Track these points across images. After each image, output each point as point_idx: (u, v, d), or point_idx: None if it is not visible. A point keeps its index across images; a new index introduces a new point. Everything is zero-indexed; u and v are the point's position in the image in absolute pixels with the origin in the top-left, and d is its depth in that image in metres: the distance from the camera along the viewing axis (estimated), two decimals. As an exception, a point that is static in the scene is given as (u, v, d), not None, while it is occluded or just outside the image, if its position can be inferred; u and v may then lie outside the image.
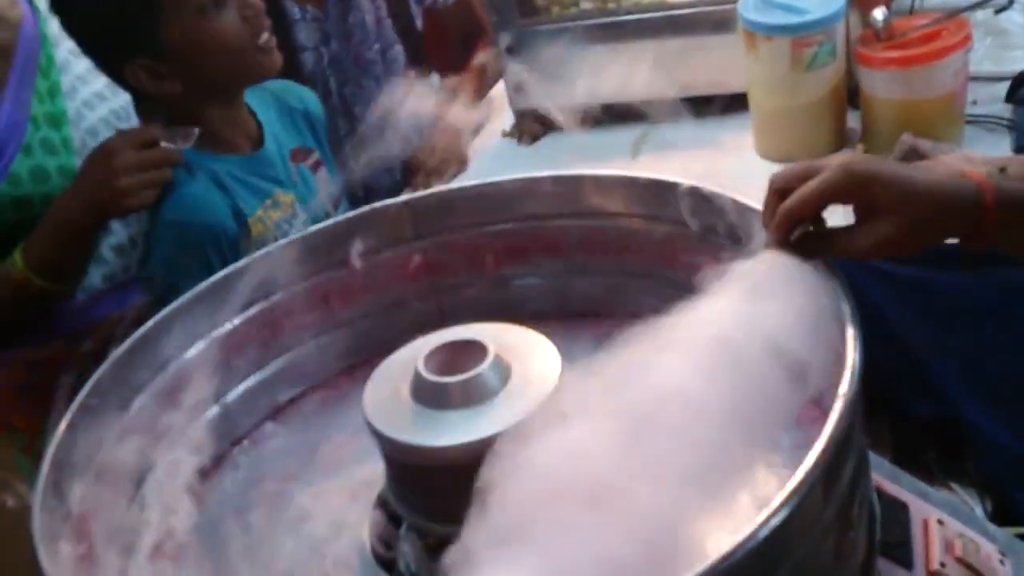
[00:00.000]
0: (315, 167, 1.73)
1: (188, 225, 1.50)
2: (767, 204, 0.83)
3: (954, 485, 1.58)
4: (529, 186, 1.19)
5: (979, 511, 1.59)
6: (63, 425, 0.89)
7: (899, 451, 1.60)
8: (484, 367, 0.84)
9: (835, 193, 0.78)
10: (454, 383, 0.83)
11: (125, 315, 1.52)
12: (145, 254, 1.57)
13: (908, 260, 1.44)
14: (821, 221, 0.83)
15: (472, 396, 0.83)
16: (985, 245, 0.79)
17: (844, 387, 0.68)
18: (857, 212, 0.80)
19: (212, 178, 1.55)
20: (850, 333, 0.77)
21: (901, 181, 0.76)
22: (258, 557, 0.95)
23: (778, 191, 0.81)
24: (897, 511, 1.01)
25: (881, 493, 1.03)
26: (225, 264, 1.47)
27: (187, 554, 0.96)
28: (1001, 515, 1.51)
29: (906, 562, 0.96)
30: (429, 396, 0.83)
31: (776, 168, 0.86)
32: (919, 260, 1.44)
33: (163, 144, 1.47)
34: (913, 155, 1.63)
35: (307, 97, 1.83)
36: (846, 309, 0.79)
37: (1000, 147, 1.72)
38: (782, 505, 0.61)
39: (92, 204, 1.44)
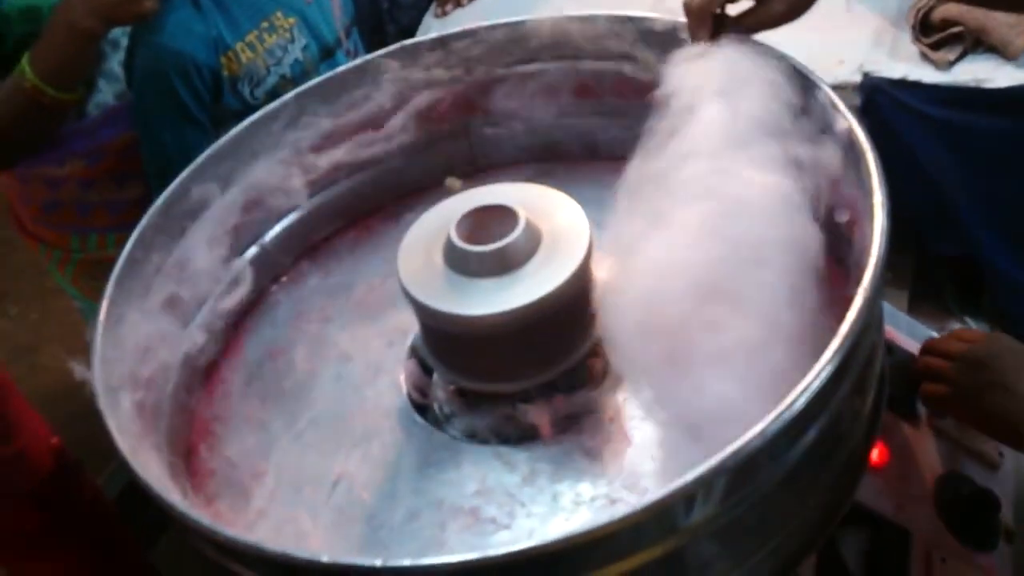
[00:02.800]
0: (332, -11, 1.66)
1: (158, 49, 1.45)
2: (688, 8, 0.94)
3: (968, 319, 1.62)
4: (563, 26, 1.15)
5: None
6: (113, 278, 0.92)
7: (918, 286, 1.63)
8: (515, 235, 0.86)
9: None
10: (487, 252, 0.85)
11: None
12: (128, 74, 1.54)
13: (950, 103, 1.41)
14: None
15: (504, 264, 0.85)
16: None
17: (865, 282, 0.70)
18: None
19: None
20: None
21: None
22: (302, 396, 1.01)
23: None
24: (907, 364, 1.05)
25: (892, 347, 1.07)
26: (196, 96, 1.48)
27: (235, 393, 1.03)
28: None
29: (912, 416, 1.02)
30: (462, 264, 0.86)
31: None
32: (962, 103, 1.41)
33: None
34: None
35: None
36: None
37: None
38: (808, 385, 0.64)
39: (103, 5, 1.40)
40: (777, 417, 0.61)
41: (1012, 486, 1.04)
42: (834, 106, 0.86)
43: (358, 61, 1.18)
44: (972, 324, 1.61)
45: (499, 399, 0.91)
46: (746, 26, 0.92)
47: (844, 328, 0.66)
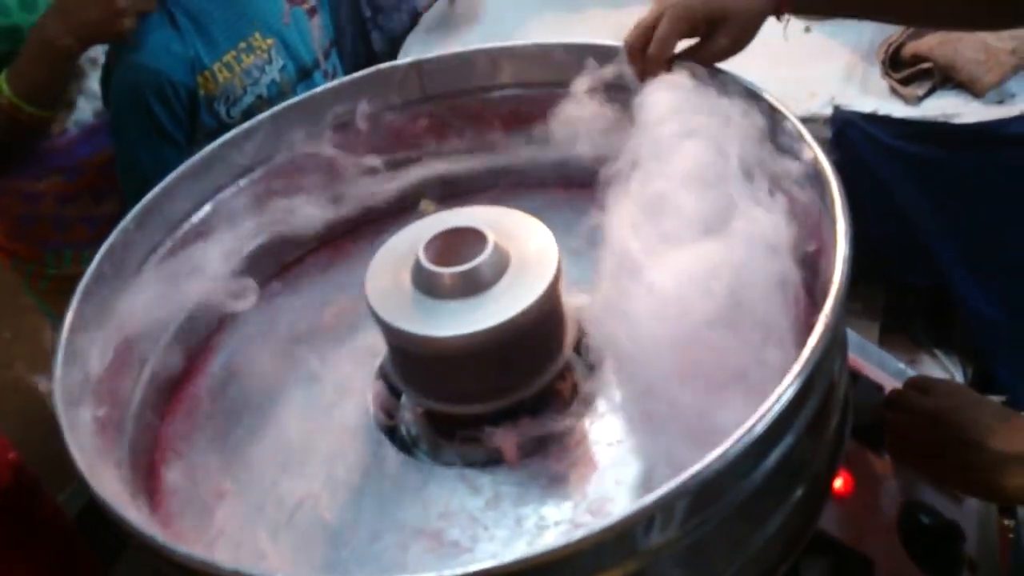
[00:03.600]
0: (311, 12, 1.67)
1: (135, 67, 1.45)
2: (633, 55, 1.00)
3: (938, 352, 1.64)
4: (540, 52, 1.17)
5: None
6: (78, 293, 0.92)
7: (889, 317, 1.65)
8: (483, 258, 0.86)
9: (681, 30, 0.97)
10: (453, 274, 0.85)
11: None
12: (104, 92, 1.55)
13: (919, 138, 1.43)
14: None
15: (472, 286, 0.86)
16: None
17: (827, 308, 0.70)
18: (701, 31, 0.98)
19: (185, 15, 1.50)
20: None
21: (722, 6, 0.96)
22: (267, 416, 1.00)
23: (633, 47, 1.00)
24: (873, 395, 1.06)
25: (858, 376, 1.07)
26: (172, 114, 1.48)
27: (199, 412, 1.02)
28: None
29: (877, 446, 1.02)
30: (429, 285, 0.86)
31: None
32: (931, 138, 1.43)
33: None
34: (939, 18, 1.57)
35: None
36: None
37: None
38: (769, 409, 0.64)
39: (82, 24, 1.41)
40: (738, 440, 0.61)
41: (976, 518, 1.05)
42: (799, 135, 0.87)
43: (334, 83, 1.18)
44: (942, 356, 1.62)
45: (466, 422, 0.91)
46: (695, 62, 0.97)
47: (806, 353, 0.66)
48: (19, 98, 1.44)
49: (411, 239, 0.92)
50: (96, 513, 0.75)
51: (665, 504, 0.59)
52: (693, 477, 0.60)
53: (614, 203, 0.88)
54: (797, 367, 0.65)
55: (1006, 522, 1.25)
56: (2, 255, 1.74)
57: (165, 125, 1.48)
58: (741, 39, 0.96)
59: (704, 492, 0.61)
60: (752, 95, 0.92)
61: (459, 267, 0.86)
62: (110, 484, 0.74)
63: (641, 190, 0.87)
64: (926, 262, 1.55)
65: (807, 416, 0.69)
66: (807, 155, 0.87)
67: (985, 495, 0.98)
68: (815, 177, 0.86)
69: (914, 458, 0.98)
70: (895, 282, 1.64)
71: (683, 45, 0.99)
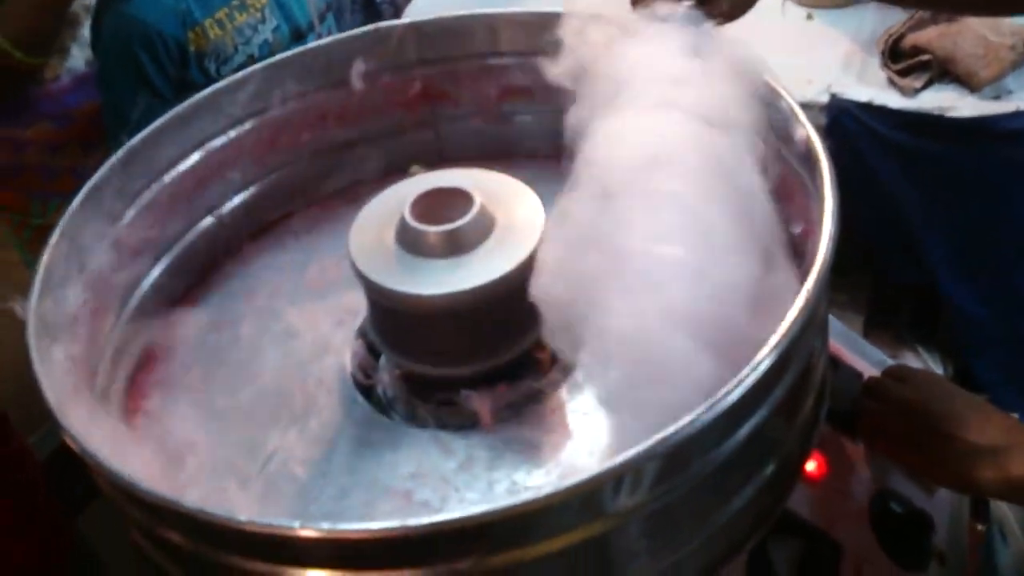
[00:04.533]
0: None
1: (125, 18, 1.44)
2: None
3: (920, 348, 1.64)
4: (541, 20, 1.15)
5: (940, 374, 1.66)
6: (56, 232, 0.91)
7: (874, 312, 1.65)
8: (468, 218, 0.85)
9: None
10: (438, 232, 0.85)
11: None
12: (94, 41, 1.53)
13: (914, 130, 1.43)
14: None
15: (455, 246, 0.85)
16: None
17: (809, 283, 0.70)
18: None
19: None
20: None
21: None
22: (245, 369, 0.99)
23: None
24: (852, 382, 1.05)
25: (838, 363, 1.07)
26: (161, 68, 1.46)
27: (176, 362, 1.02)
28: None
29: (853, 433, 1.02)
30: (413, 243, 0.85)
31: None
32: (925, 131, 1.43)
33: None
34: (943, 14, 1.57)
35: None
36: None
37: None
38: (744, 378, 0.63)
39: None
40: (711, 407, 0.61)
41: (948, 510, 1.05)
42: (793, 113, 0.87)
43: (327, 40, 1.17)
44: (924, 353, 1.62)
45: (443, 384, 0.91)
46: None
47: (784, 325, 0.66)
48: (9, 43, 1.42)
49: (398, 197, 0.91)
50: (65, 460, 0.74)
51: (634, 465, 0.59)
52: (663, 441, 0.59)
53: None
54: (775, 339, 0.65)
55: (979, 527, 1.25)
56: (-13, 203, 1.72)
57: (152, 78, 1.46)
58: (742, 4, 0.92)
59: (674, 457, 0.61)
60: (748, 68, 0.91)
61: (442, 226, 0.85)
62: (79, 421, 0.73)
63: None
64: (914, 258, 1.55)
65: (783, 390, 0.69)
66: (800, 134, 0.86)
67: (958, 487, 0.99)
68: (806, 156, 0.85)
69: (888, 447, 0.98)
70: (882, 278, 1.65)
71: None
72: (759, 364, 0.63)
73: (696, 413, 0.60)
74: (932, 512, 1.01)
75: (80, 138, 1.61)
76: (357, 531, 0.59)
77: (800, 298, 0.68)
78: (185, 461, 0.90)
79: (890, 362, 1.18)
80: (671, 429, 0.59)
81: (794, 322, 0.66)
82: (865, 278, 1.64)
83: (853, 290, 1.63)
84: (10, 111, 1.56)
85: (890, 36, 1.54)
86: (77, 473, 0.76)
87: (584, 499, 0.60)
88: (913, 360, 1.61)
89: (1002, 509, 1.11)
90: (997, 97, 1.45)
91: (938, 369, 1.63)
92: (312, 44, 1.16)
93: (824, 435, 0.97)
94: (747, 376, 0.63)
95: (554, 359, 0.93)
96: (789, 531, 0.90)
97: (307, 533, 0.58)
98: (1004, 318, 1.56)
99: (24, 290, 0.84)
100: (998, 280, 1.54)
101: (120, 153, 1.00)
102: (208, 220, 1.13)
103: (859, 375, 1.07)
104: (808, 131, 0.84)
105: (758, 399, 0.66)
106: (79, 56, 1.58)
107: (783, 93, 0.89)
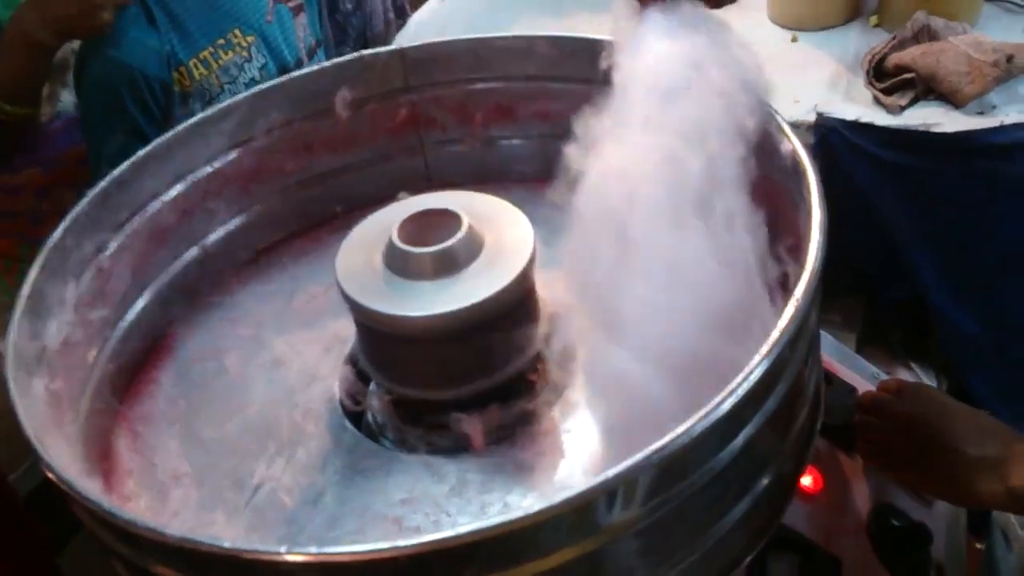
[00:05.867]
0: (297, 10, 1.66)
1: (109, 62, 1.43)
2: None
3: (914, 364, 1.63)
4: (525, 45, 1.16)
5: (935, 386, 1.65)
6: (39, 262, 0.90)
7: (867, 329, 1.64)
8: (456, 239, 0.85)
9: None
10: (426, 254, 0.84)
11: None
12: (78, 86, 1.52)
13: (900, 147, 1.44)
14: None
15: (443, 267, 0.84)
16: None
17: (798, 292, 0.69)
18: None
19: (161, 9, 1.48)
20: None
21: None
22: (231, 400, 0.98)
23: None
24: (847, 397, 1.05)
25: (832, 378, 1.06)
26: (146, 110, 1.46)
27: (161, 394, 1.00)
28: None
29: (849, 447, 1.01)
30: (401, 265, 0.84)
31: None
32: (912, 147, 1.43)
33: None
34: (924, 34, 1.59)
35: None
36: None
37: (1014, 30, 1.67)
38: (737, 387, 0.63)
39: (58, 18, 1.38)
40: (704, 417, 0.60)
41: (945, 521, 1.04)
42: (779, 127, 0.86)
43: (313, 68, 1.17)
44: (918, 369, 1.62)
45: (434, 408, 0.89)
46: None
47: (775, 335, 0.65)
48: None
49: (386, 220, 0.90)
50: (47, 495, 0.73)
51: (627, 479, 0.58)
52: (657, 452, 0.58)
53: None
54: (766, 348, 0.64)
55: (978, 546, 1.24)
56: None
57: (137, 120, 1.46)
58: None
59: (668, 469, 0.60)
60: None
61: (431, 247, 0.84)
62: (59, 454, 0.71)
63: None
64: (904, 275, 1.55)
65: (775, 401, 0.68)
66: (786, 147, 0.86)
67: (958, 500, 0.97)
68: (793, 170, 0.85)
69: (886, 462, 0.97)
70: (874, 295, 1.64)
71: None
72: (751, 373, 0.63)
73: (689, 423, 0.59)
74: (930, 525, 1.00)
75: (67, 182, 1.60)
76: (345, 554, 0.57)
77: (790, 306, 0.67)
78: (170, 494, 0.89)
79: (883, 375, 1.17)
80: (665, 440, 0.58)
81: (784, 330, 0.65)
82: (858, 298, 1.64)
83: (846, 310, 1.63)
84: (3, 158, 1.56)
85: (874, 56, 1.56)
86: (57, 510, 0.74)
87: (576, 515, 0.58)
88: (907, 376, 1.61)
89: (1005, 515, 1.09)
90: (981, 112, 1.46)
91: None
92: (297, 73, 1.16)
93: (820, 450, 0.96)
94: (739, 386, 0.62)
95: (546, 379, 0.92)
96: (788, 546, 0.89)
97: (294, 558, 0.57)
98: (994, 333, 1.56)
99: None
100: (986, 295, 1.54)
101: (103, 183, 0.99)
102: (193, 251, 1.12)
103: (853, 390, 1.06)
104: (794, 143, 0.84)
105: (751, 409, 0.65)
106: (68, 101, 1.58)
107: (768, 106, 0.89)
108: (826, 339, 1.15)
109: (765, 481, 0.72)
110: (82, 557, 1.00)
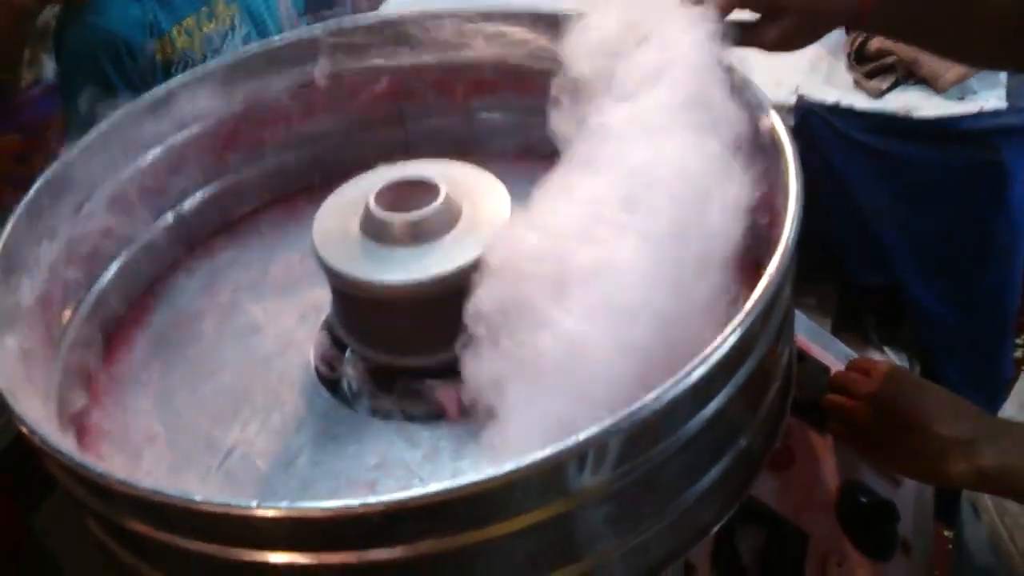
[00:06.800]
0: (283, -20, 1.65)
1: (90, 28, 1.42)
2: None
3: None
4: (513, 16, 1.15)
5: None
6: (12, 220, 0.89)
7: (841, 314, 1.66)
8: (433, 207, 0.85)
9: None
10: (402, 220, 0.84)
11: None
12: (58, 51, 1.51)
13: (880, 131, 1.44)
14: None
15: (420, 235, 0.85)
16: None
17: (772, 266, 0.70)
18: (761, 11, 0.89)
19: None
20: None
21: None
22: (206, 364, 0.98)
23: None
24: (819, 375, 1.05)
25: (804, 356, 1.07)
26: (125, 78, 1.44)
27: (135, 356, 1.00)
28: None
29: (819, 424, 1.02)
30: (377, 232, 0.85)
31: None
32: (891, 131, 1.44)
33: None
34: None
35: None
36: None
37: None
38: (709, 355, 0.63)
39: None
40: (675, 383, 0.60)
41: (913, 500, 1.05)
42: (759, 103, 0.87)
43: (292, 35, 1.16)
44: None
45: (409, 375, 0.90)
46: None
47: (748, 305, 0.66)
48: None
49: (363, 188, 0.90)
50: (19, 453, 0.72)
51: (598, 442, 0.58)
52: (627, 417, 0.59)
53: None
54: (740, 317, 0.65)
55: (946, 533, 1.26)
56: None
57: (118, 88, 1.44)
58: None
59: (638, 434, 0.60)
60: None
61: (407, 214, 0.84)
62: (33, 409, 0.71)
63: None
64: (880, 259, 1.57)
65: (747, 372, 0.69)
66: (764, 123, 0.87)
67: (928, 479, 0.99)
68: (771, 145, 0.86)
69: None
70: (849, 279, 1.66)
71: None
72: (724, 342, 0.63)
73: (661, 389, 0.60)
74: (897, 502, 1.01)
75: (45, 149, 1.58)
76: (316, 509, 0.57)
77: (764, 278, 0.68)
78: (143, 455, 0.88)
79: (855, 355, 1.18)
80: (636, 405, 0.59)
81: (758, 301, 0.66)
82: (833, 284, 1.65)
83: (821, 294, 1.65)
84: None
85: (856, 39, 1.56)
86: (30, 469, 0.74)
87: (546, 477, 0.59)
88: (880, 361, 1.62)
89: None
90: (961, 98, 1.47)
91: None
92: (276, 39, 1.15)
93: (791, 426, 0.97)
94: (711, 354, 0.62)
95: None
96: (756, 519, 0.90)
97: (265, 513, 0.57)
98: (967, 318, 1.58)
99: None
100: (961, 281, 1.55)
101: (79, 145, 0.99)
102: (168, 216, 1.11)
103: (826, 369, 1.07)
104: (773, 119, 0.84)
105: (722, 378, 0.66)
106: (48, 67, 1.56)
107: (750, 82, 0.90)
108: (801, 319, 1.16)
109: (734, 452, 0.73)
110: (56, 516, 1.00)
